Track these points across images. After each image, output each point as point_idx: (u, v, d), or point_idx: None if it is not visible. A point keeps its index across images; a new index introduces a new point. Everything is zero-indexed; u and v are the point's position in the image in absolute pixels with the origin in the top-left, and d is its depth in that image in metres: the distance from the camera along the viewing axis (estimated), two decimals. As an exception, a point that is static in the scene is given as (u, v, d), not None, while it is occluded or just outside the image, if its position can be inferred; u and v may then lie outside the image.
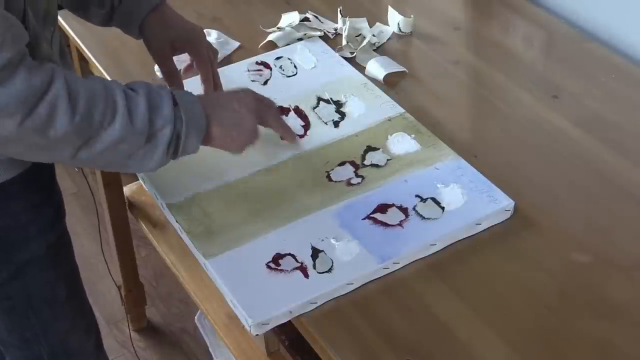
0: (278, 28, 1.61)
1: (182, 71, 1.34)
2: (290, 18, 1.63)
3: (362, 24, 1.63)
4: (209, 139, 1.13)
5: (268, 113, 1.22)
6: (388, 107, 1.42)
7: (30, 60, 0.96)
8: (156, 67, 1.49)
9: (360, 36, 1.60)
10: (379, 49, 1.59)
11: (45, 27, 1.12)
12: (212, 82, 1.33)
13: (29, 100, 0.95)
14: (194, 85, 1.31)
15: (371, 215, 1.22)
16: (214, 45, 1.56)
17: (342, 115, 1.41)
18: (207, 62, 1.31)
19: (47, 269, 1.29)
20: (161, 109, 1.06)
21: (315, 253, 1.17)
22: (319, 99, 1.44)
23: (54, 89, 0.97)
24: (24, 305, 1.29)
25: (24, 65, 0.95)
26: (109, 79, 1.36)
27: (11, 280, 1.26)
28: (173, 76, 1.30)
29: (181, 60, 1.35)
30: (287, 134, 1.29)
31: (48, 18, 1.13)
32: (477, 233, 1.21)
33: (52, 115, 0.97)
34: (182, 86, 1.30)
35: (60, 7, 1.25)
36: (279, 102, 1.42)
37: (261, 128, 1.24)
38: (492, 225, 1.22)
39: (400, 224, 1.21)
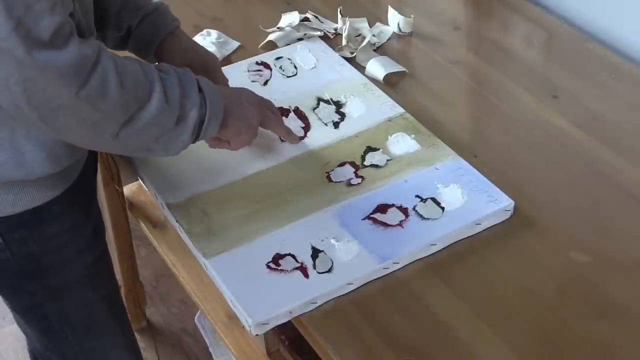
0: (278, 28, 1.61)
1: None
2: (290, 18, 1.63)
3: (362, 24, 1.63)
4: (223, 128, 1.16)
5: (270, 114, 1.26)
6: (388, 107, 1.42)
7: (76, 33, 0.98)
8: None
9: (360, 36, 1.60)
10: (379, 49, 1.59)
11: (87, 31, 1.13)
12: None
13: (83, 69, 0.96)
14: None
15: (371, 216, 1.22)
16: (214, 45, 1.56)
17: (342, 116, 1.41)
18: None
19: (84, 290, 1.29)
20: (190, 92, 1.09)
21: (315, 253, 1.17)
22: (319, 100, 1.44)
23: (103, 60, 0.99)
24: (61, 325, 1.30)
25: (75, 35, 0.96)
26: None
27: (47, 302, 1.26)
28: None
29: None
30: (289, 136, 1.32)
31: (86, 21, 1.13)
32: (477, 233, 1.21)
33: (104, 86, 0.98)
34: None
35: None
36: (279, 103, 1.42)
37: (261, 129, 1.26)
38: (492, 225, 1.22)
39: (400, 224, 1.21)
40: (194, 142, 1.13)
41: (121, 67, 1.01)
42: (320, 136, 1.37)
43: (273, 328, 1.12)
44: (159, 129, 1.06)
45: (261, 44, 1.60)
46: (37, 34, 0.92)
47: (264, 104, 1.27)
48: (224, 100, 1.15)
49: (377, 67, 1.51)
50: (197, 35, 1.60)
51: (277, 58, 1.54)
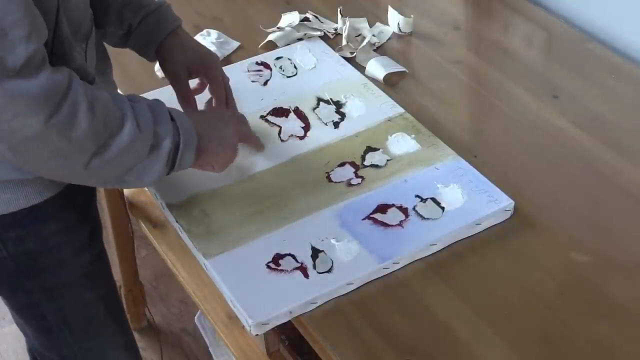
0: (278, 28, 1.61)
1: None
2: (290, 18, 1.63)
3: (362, 24, 1.63)
4: (200, 155, 1.14)
5: (245, 129, 1.27)
6: (388, 107, 1.42)
7: (48, 63, 0.97)
8: (156, 67, 1.49)
9: (360, 36, 1.60)
10: (379, 49, 1.59)
11: (76, 42, 1.12)
12: (225, 106, 1.34)
13: (54, 98, 0.95)
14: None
15: (371, 216, 1.22)
16: (214, 45, 1.57)
17: (342, 116, 1.41)
18: (222, 87, 1.32)
19: (82, 290, 1.29)
20: (162, 121, 1.08)
21: (315, 253, 1.17)
22: (319, 100, 1.44)
23: (74, 88, 0.98)
24: (59, 325, 1.30)
25: (46, 64, 0.95)
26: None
27: (44, 301, 1.26)
28: (187, 98, 1.31)
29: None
30: (258, 146, 1.31)
31: (78, 34, 1.13)
32: (477, 233, 1.21)
33: (74, 114, 0.97)
34: (196, 107, 1.32)
35: None
36: (279, 103, 1.43)
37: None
38: (492, 225, 1.22)
39: (400, 224, 1.21)
40: (169, 172, 1.11)
41: (91, 96, 1.00)
42: (320, 136, 1.37)
43: (273, 328, 1.12)
44: (132, 157, 1.05)
45: (261, 44, 1.60)
46: (9, 63, 0.91)
47: (240, 120, 1.27)
48: (197, 128, 1.13)
49: (377, 67, 1.51)
50: (197, 35, 1.60)
51: (277, 58, 1.54)
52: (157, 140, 1.07)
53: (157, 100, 1.12)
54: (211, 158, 1.17)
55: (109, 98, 1.03)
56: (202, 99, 1.35)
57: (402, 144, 1.34)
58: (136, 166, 1.06)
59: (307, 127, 1.38)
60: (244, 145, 1.27)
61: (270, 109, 1.42)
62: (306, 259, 1.17)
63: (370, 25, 1.64)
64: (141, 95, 1.42)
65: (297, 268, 1.15)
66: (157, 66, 1.49)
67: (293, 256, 1.17)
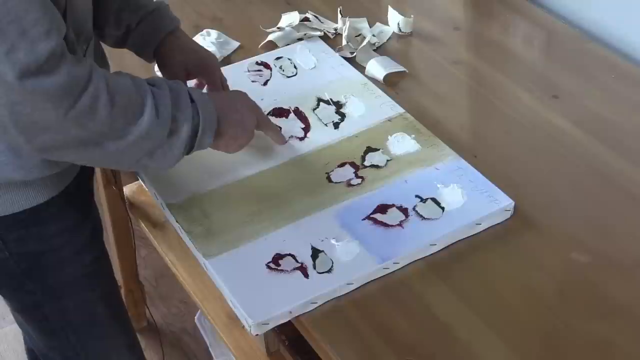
0: (278, 28, 1.61)
1: None
2: (290, 18, 1.63)
3: (362, 24, 1.63)
4: (218, 137, 1.15)
5: (262, 115, 1.27)
6: (388, 107, 1.42)
7: (70, 54, 0.97)
8: (156, 68, 1.49)
9: (360, 36, 1.60)
10: (379, 49, 1.59)
11: (78, 45, 1.12)
12: None
13: (73, 91, 0.96)
14: None
15: (371, 216, 1.22)
16: (214, 45, 1.57)
17: (342, 117, 1.41)
18: (220, 88, 1.32)
19: (84, 290, 1.30)
20: (182, 106, 1.08)
21: (315, 253, 1.17)
22: (319, 100, 1.44)
23: (94, 81, 0.98)
24: (62, 325, 1.31)
25: (67, 57, 0.96)
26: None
27: (47, 301, 1.27)
28: None
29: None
30: (278, 136, 1.32)
31: (81, 37, 1.13)
32: (477, 233, 1.21)
33: (94, 106, 0.98)
34: None
35: None
36: (279, 103, 1.43)
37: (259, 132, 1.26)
38: (492, 225, 1.22)
39: (400, 224, 1.21)
40: (188, 153, 1.12)
41: (113, 86, 1.01)
42: (321, 137, 1.37)
43: (273, 328, 1.12)
44: (150, 143, 1.06)
45: (261, 44, 1.60)
46: (30, 60, 0.91)
47: (256, 104, 1.27)
48: (217, 109, 1.14)
49: (377, 67, 1.51)
50: (197, 35, 1.60)
51: (277, 58, 1.54)
52: (176, 126, 1.08)
53: (176, 83, 1.12)
54: (228, 140, 1.18)
55: (131, 85, 1.04)
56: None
57: (402, 144, 1.34)
58: (155, 151, 1.07)
59: (307, 128, 1.38)
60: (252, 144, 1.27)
61: (271, 109, 1.42)
62: (306, 259, 1.17)
63: (370, 25, 1.64)
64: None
65: (297, 268, 1.15)
66: (156, 67, 1.49)
67: (293, 256, 1.17)
